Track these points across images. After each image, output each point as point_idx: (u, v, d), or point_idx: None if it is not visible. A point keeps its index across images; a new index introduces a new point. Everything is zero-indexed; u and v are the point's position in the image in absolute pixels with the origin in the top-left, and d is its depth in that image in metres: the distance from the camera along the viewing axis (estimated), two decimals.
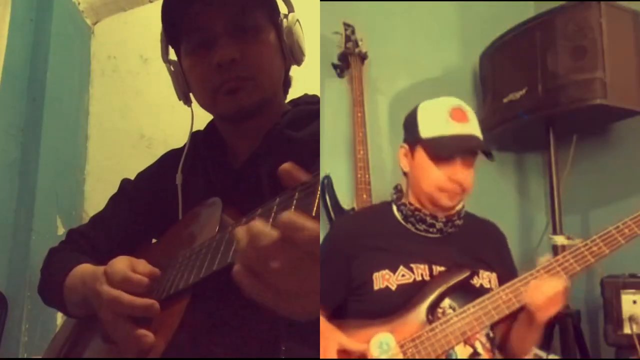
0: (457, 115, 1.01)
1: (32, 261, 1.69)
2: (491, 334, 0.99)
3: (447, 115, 1.00)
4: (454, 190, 1.00)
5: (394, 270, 0.98)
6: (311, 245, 0.54)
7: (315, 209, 0.57)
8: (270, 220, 0.63)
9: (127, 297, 0.79)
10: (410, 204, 1.05)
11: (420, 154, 1.03)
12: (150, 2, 2.10)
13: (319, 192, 0.59)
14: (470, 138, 1.00)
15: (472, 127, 1.01)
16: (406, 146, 1.07)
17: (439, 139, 1.00)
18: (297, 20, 1.02)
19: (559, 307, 0.92)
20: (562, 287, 0.91)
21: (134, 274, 0.81)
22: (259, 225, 0.57)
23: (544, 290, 0.91)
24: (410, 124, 1.06)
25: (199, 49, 0.96)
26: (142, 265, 0.84)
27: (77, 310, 1.00)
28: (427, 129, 1.02)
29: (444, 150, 0.99)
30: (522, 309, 0.94)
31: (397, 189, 1.10)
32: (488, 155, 1.01)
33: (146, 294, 0.80)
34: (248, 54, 0.94)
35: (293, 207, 0.60)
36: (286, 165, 0.62)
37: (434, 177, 1.00)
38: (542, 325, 0.95)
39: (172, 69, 1.04)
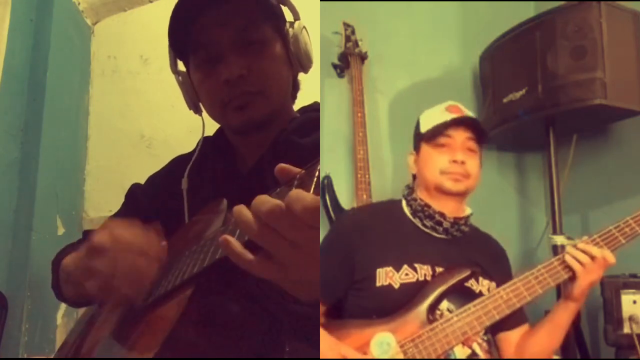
0: (453, 108, 1.07)
1: (32, 261, 1.69)
2: (486, 337, 0.99)
3: (443, 109, 1.07)
4: (456, 172, 1.02)
5: (398, 268, 0.98)
6: (312, 216, 0.54)
7: (313, 187, 0.57)
8: None
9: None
10: (421, 199, 1.06)
11: (423, 148, 1.07)
12: (150, 2, 2.11)
13: (315, 179, 0.58)
14: (465, 117, 1.06)
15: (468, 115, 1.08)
16: (413, 152, 1.12)
17: (436, 126, 1.05)
18: (304, 27, 1.03)
19: (598, 274, 0.92)
20: (600, 254, 0.92)
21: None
22: (261, 196, 0.58)
23: (582, 255, 0.92)
24: (415, 130, 1.12)
25: (206, 64, 0.97)
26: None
27: (70, 291, 1.01)
28: (426, 123, 1.08)
29: (439, 128, 1.04)
30: (522, 308, 0.94)
31: (409, 187, 1.11)
32: (482, 134, 1.05)
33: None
34: (255, 68, 0.95)
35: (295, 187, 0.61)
36: (283, 165, 0.63)
37: (436, 161, 1.04)
38: (581, 298, 0.95)
39: (181, 79, 1.05)
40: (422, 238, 1.04)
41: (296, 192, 0.54)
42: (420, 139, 1.08)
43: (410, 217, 1.06)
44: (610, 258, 0.92)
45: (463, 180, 1.03)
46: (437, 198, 1.04)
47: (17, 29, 1.81)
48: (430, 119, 1.08)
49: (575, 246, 0.94)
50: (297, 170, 0.63)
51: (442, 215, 1.03)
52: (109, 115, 2.10)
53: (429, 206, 1.04)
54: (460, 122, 1.05)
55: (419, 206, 1.05)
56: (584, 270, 0.92)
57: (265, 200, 0.57)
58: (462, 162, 1.02)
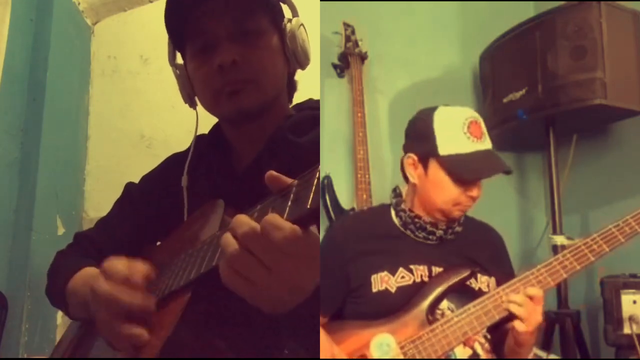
0: (474, 130, 0.99)
1: (32, 261, 1.69)
2: (489, 335, 0.99)
3: (465, 129, 0.98)
4: (467, 204, 1.00)
5: (393, 272, 0.98)
6: (288, 245, 0.57)
7: (310, 201, 0.59)
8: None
9: (126, 294, 0.77)
10: (411, 210, 1.03)
11: (436, 169, 0.99)
12: (150, 2, 2.11)
13: (313, 187, 0.59)
14: (491, 156, 1.00)
15: (488, 142, 1.01)
16: (414, 157, 1.02)
17: (460, 159, 0.97)
18: (302, 24, 1.02)
19: (540, 313, 0.91)
20: (536, 293, 0.90)
21: (134, 274, 0.80)
22: (241, 216, 0.62)
23: (514, 300, 0.90)
24: (422, 134, 1.01)
25: (202, 52, 0.97)
26: (140, 265, 0.83)
27: (79, 313, 0.99)
28: (445, 145, 0.98)
29: (469, 173, 0.97)
30: None
31: (396, 193, 1.08)
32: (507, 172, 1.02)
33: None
34: (249, 56, 0.94)
35: (290, 201, 0.62)
36: (272, 172, 0.64)
37: (452, 193, 0.98)
38: (527, 343, 0.93)
39: (178, 72, 1.05)
40: (414, 244, 1.03)
41: (273, 218, 0.58)
42: (433, 154, 0.99)
43: (401, 228, 1.04)
44: (540, 292, 0.90)
45: (470, 207, 1.02)
46: (434, 216, 1.02)
47: (17, 29, 1.81)
48: (449, 139, 0.98)
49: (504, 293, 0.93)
50: (287, 179, 0.64)
51: (434, 225, 1.01)
52: (109, 115, 2.09)
53: (419, 217, 1.02)
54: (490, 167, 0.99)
55: (409, 218, 1.03)
56: (527, 313, 0.89)
57: (243, 222, 0.60)
58: (477, 196, 0.99)
